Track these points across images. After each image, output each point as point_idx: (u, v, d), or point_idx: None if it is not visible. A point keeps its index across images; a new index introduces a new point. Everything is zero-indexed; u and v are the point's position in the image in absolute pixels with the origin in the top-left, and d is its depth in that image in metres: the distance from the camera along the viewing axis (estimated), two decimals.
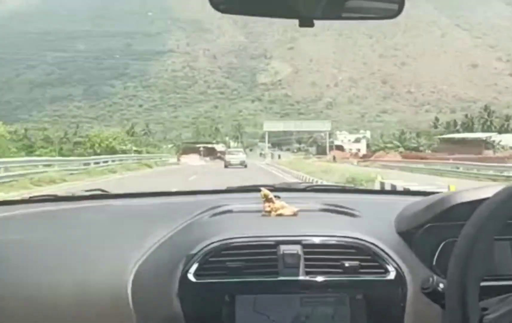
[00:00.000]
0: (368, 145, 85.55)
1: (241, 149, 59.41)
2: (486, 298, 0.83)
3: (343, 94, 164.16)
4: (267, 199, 1.33)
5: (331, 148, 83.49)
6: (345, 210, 1.40)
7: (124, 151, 46.03)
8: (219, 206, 1.43)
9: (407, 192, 1.57)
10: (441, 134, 66.44)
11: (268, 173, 29.10)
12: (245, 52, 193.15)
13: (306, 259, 1.09)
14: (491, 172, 26.14)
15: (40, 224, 1.44)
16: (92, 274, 1.15)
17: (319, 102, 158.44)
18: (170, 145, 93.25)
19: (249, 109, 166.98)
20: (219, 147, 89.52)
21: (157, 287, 1.10)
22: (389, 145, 65.68)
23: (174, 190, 1.89)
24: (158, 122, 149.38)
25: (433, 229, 1.15)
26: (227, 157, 38.64)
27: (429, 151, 57.85)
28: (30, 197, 1.86)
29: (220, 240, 1.12)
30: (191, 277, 1.08)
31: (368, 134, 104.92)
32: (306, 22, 0.97)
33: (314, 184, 1.82)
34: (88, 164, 29.63)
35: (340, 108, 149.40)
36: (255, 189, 1.51)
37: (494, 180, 21.18)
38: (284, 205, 1.34)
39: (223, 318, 1.04)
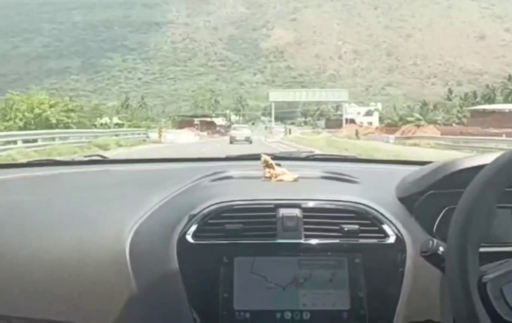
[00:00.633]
0: (380, 119, 79.23)
1: (246, 125, 58.03)
2: (486, 264, 0.84)
3: (347, 66, 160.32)
4: (267, 165, 1.34)
5: (341, 121, 74.05)
6: (346, 177, 1.41)
7: (80, 124, 32.79)
8: (219, 172, 1.44)
9: (409, 162, 1.54)
10: (461, 106, 61.51)
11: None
12: (247, 23, 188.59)
13: (305, 223, 1.10)
14: None
15: (39, 186, 1.46)
16: (91, 233, 1.16)
17: (322, 74, 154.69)
18: (164, 120, 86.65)
19: (251, 82, 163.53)
20: (219, 121, 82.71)
21: (155, 247, 1.11)
22: (409, 118, 58.51)
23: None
24: (158, 95, 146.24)
25: (434, 196, 1.15)
26: (233, 133, 38.26)
27: (455, 125, 52.43)
28: (28, 161, 1.85)
29: (220, 202, 1.13)
30: (189, 238, 1.09)
31: (379, 106, 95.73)
32: None
33: (315, 153, 1.79)
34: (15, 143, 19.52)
35: (344, 81, 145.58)
36: (256, 157, 1.52)
37: None
38: (285, 171, 1.35)
39: (221, 279, 1.05)
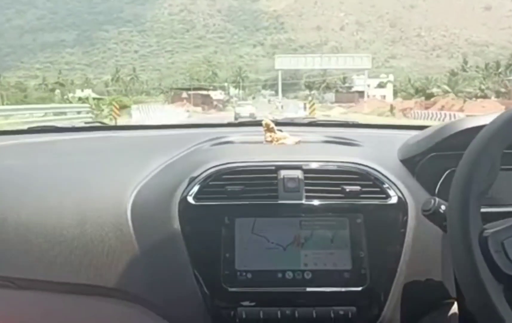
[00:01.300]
0: (394, 92, 71.25)
1: (250, 102, 57.00)
2: (487, 223, 0.83)
3: (350, 38, 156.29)
4: (269, 129, 1.35)
5: (352, 94, 65.91)
6: (348, 141, 1.42)
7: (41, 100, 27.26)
8: (220, 137, 1.45)
9: (412, 126, 1.53)
10: (484, 78, 56.52)
11: None
12: None
13: (306, 184, 1.11)
14: None
15: (40, 151, 1.47)
16: (92, 196, 1.18)
17: (324, 47, 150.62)
18: (158, 93, 79.73)
19: (250, 54, 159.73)
20: (217, 94, 74.90)
21: (156, 209, 1.12)
22: (434, 90, 52.64)
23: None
24: (155, 68, 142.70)
25: (437, 158, 1.16)
26: (237, 109, 38.31)
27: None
28: (29, 128, 1.88)
29: (221, 164, 1.14)
30: (190, 199, 1.09)
31: (391, 78, 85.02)
32: None
33: (317, 119, 1.83)
34: None
35: (346, 53, 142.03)
36: (257, 123, 1.52)
37: None
38: (286, 135, 1.36)
39: (222, 240, 1.06)
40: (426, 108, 37.10)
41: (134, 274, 1.10)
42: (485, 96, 46.61)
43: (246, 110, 37.30)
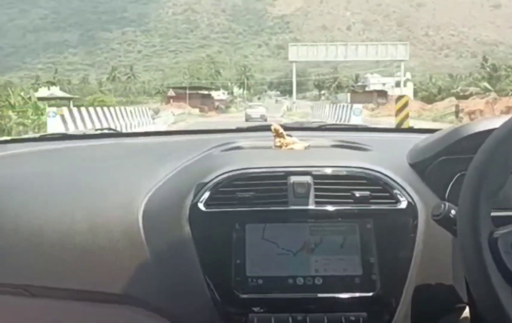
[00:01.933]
0: (415, 91, 64.97)
1: (261, 103, 55.03)
2: (497, 227, 0.83)
3: (356, 38, 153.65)
4: (278, 134, 1.35)
5: (371, 94, 58.66)
6: (357, 145, 1.42)
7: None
8: (230, 143, 1.46)
9: (421, 130, 1.53)
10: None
11: None
12: None
13: (316, 189, 1.11)
14: None
15: (51, 159, 1.48)
16: (103, 202, 1.18)
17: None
18: (154, 93, 72.59)
19: (255, 54, 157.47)
20: (219, 94, 70.70)
21: (167, 216, 1.12)
22: (472, 88, 46.31)
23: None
24: (158, 69, 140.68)
25: (447, 162, 1.16)
26: (248, 111, 38.69)
27: None
28: (41, 135, 1.89)
29: (231, 171, 1.14)
30: (201, 206, 1.10)
31: (409, 75, 75.48)
32: None
33: (327, 123, 1.86)
34: None
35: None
36: (266, 128, 1.53)
37: None
38: (295, 140, 1.36)
39: (233, 246, 1.07)
40: (498, 109, 27.48)
41: (145, 281, 1.11)
42: None
43: (257, 112, 37.29)
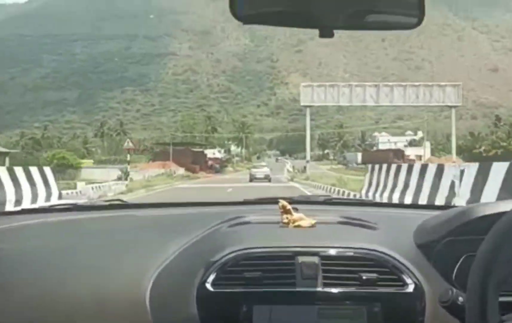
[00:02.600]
0: (432, 150, 62.41)
1: (265, 163, 54.02)
2: (506, 313, 0.83)
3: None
4: (285, 210, 1.34)
5: (387, 153, 54.84)
6: (364, 223, 1.40)
7: None
8: (237, 217, 1.44)
9: (427, 206, 1.56)
10: None
11: None
12: (250, 55, 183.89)
13: (323, 271, 1.10)
14: None
15: (59, 233, 1.48)
16: (111, 281, 1.18)
17: (329, 107, 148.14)
18: (142, 149, 66.24)
19: (254, 114, 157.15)
20: (214, 152, 65.55)
21: (175, 296, 1.12)
22: (495, 145, 43.84)
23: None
24: (156, 127, 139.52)
25: (453, 243, 1.15)
26: (253, 171, 38.77)
27: None
28: (50, 206, 1.92)
29: (238, 250, 1.14)
30: (209, 286, 1.09)
31: (420, 134, 73.92)
32: (326, 33, 0.97)
33: (333, 197, 1.92)
34: None
35: (352, 114, 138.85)
36: (273, 201, 1.51)
37: None
38: (302, 216, 1.35)
39: None
40: None
41: None
42: None
43: (261, 172, 37.46)
